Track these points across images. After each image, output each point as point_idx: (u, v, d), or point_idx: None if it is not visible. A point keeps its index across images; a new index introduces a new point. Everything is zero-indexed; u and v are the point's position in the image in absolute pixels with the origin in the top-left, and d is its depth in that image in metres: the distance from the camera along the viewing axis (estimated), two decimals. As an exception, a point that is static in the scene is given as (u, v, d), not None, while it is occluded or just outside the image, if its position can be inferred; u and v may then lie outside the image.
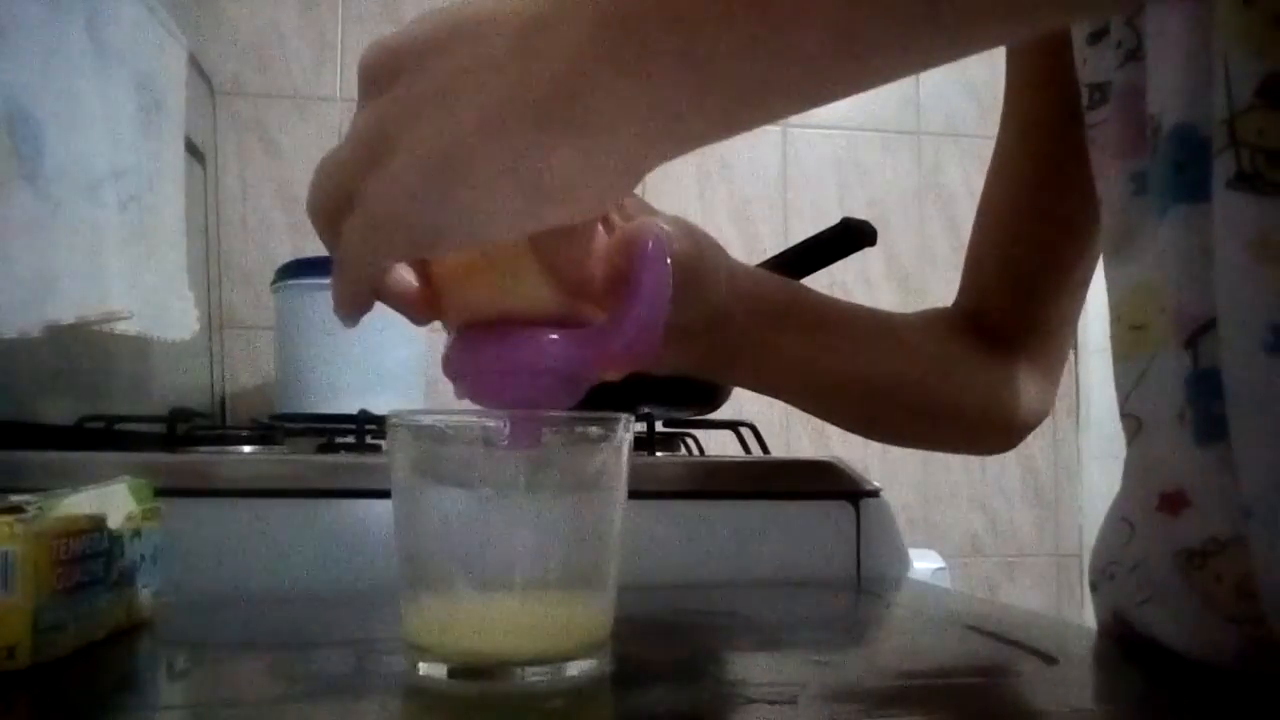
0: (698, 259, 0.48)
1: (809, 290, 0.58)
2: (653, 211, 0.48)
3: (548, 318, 0.37)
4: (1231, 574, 0.39)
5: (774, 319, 0.54)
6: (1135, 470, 0.45)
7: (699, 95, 0.29)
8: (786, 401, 0.59)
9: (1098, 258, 0.59)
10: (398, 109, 0.32)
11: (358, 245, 0.33)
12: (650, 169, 0.32)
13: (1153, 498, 0.42)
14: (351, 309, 0.36)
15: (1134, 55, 0.44)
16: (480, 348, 0.38)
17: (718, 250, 0.51)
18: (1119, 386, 0.46)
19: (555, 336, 0.37)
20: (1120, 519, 0.47)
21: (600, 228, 0.38)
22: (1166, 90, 0.41)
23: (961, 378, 0.61)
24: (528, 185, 0.30)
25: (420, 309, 0.38)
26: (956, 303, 0.65)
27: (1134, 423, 0.45)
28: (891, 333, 0.60)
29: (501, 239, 0.34)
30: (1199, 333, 0.39)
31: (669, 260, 0.38)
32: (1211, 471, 0.39)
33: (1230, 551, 0.39)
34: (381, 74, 0.32)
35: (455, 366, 0.38)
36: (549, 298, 0.37)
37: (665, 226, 0.42)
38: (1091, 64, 0.48)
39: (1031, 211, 0.61)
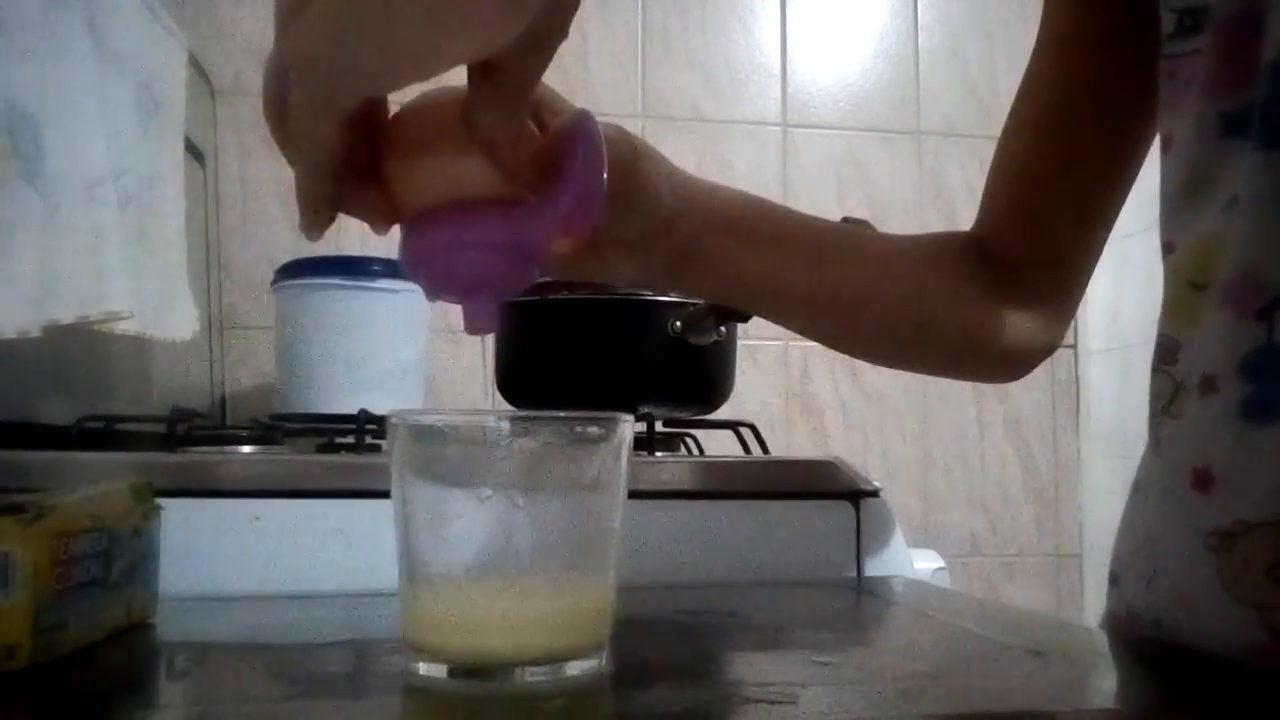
0: (633, 163, 0.48)
1: (771, 203, 0.57)
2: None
3: (493, 199, 0.39)
4: (1261, 558, 0.38)
5: (728, 228, 0.53)
6: (1170, 445, 0.44)
7: None
8: (757, 313, 0.58)
9: (1123, 196, 0.58)
10: None
11: (299, 113, 0.34)
12: None
13: (1186, 474, 0.41)
14: (315, 206, 0.37)
15: None
16: (430, 232, 0.39)
17: (658, 158, 0.50)
18: (1174, 354, 0.44)
19: (498, 212, 0.39)
20: (1139, 499, 0.46)
21: (533, 126, 0.41)
22: None
23: (947, 301, 0.59)
24: (423, 11, 0.31)
25: (379, 214, 0.40)
26: (972, 228, 0.63)
27: (1185, 395, 0.43)
28: (866, 249, 0.59)
29: (415, 76, 0.34)
30: (1277, 302, 0.37)
31: (600, 136, 0.40)
32: (1254, 451, 0.38)
33: (1260, 534, 0.38)
34: None
35: (409, 257, 0.40)
36: (493, 181, 0.38)
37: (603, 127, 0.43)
38: None
39: (1053, 135, 0.58)
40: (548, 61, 0.36)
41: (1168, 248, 0.46)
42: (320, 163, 0.36)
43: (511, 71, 0.35)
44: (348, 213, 0.39)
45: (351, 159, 0.37)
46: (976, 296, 0.59)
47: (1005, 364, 0.62)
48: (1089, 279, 0.61)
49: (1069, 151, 0.57)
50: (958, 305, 0.59)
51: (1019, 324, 0.59)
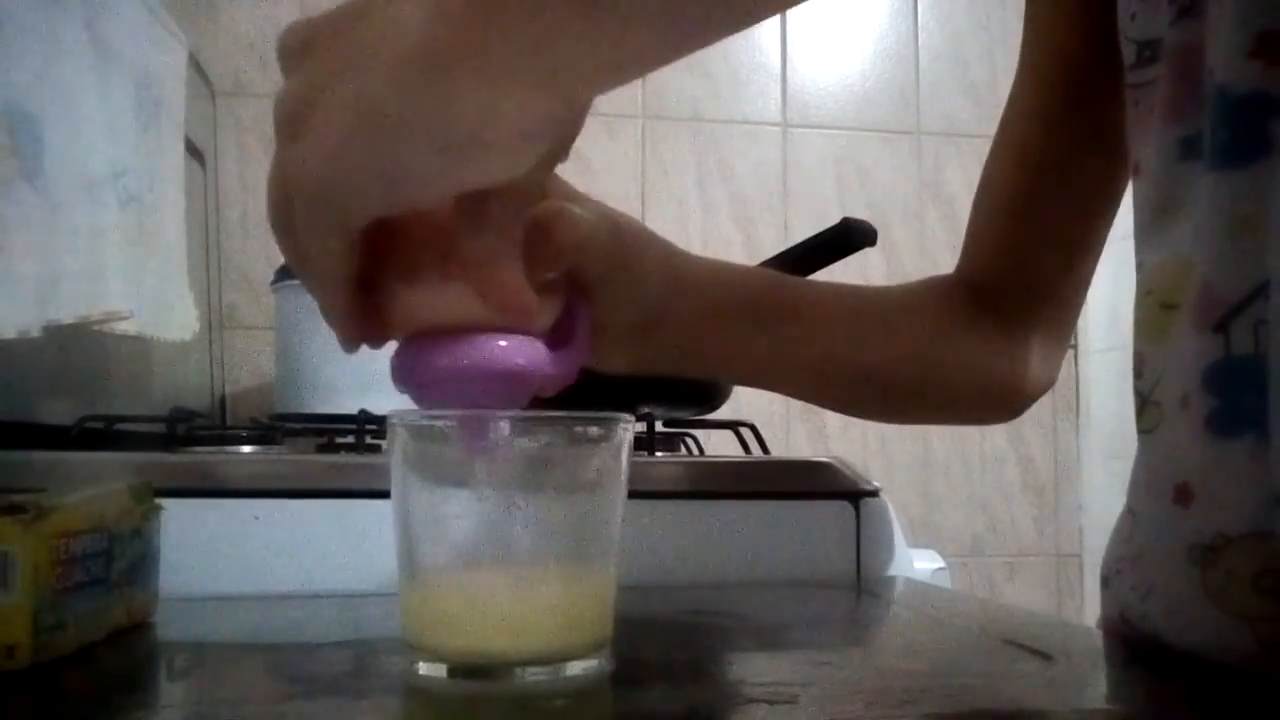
0: (621, 255, 0.46)
1: (780, 278, 0.56)
2: (577, 198, 0.46)
3: (486, 326, 0.37)
4: (1245, 570, 0.38)
5: (733, 312, 0.52)
6: (1150, 460, 0.44)
7: (592, 43, 0.30)
8: (768, 389, 0.57)
9: (1109, 223, 0.58)
10: (313, 79, 0.31)
11: (306, 233, 0.33)
12: (556, 125, 0.32)
13: (1167, 489, 0.41)
14: (341, 323, 0.37)
15: (1189, 11, 0.42)
16: (420, 356, 0.38)
17: (649, 244, 0.49)
18: (1141, 370, 0.44)
19: (490, 342, 0.37)
20: (1127, 510, 0.46)
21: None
22: (1225, 47, 0.39)
23: (956, 352, 0.59)
24: (435, 140, 0.30)
25: (370, 329, 0.38)
26: (957, 271, 0.62)
27: (1154, 410, 0.43)
28: (876, 312, 0.58)
29: (423, 201, 0.33)
30: (1231, 314, 0.38)
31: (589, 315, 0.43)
32: (1226, 464, 0.38)
33: (1241, 547, 0.38)
34: (298, 50, 0.32)
35: (402, 374, 0.39)
36: (480, 311, 0.37)
37: (584, 216, 0.41)
38: (1141, 19, 0.46)
39: (1039, 171, 0.58)
40: (543, 187, 0.34)
41: (1139, 267, 0.47)
42: (334, 279, 0.34)
43: (505, 198, 0.34)
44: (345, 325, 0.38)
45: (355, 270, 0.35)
46: (981, 343, 0.59)
47: (1011, 406, 0.62)
48: (1080, 310, 0.62)
49: (1051, 184, 0.58)
50: (969, 355, 0.59)
51: (1024, 363, 0.60)
